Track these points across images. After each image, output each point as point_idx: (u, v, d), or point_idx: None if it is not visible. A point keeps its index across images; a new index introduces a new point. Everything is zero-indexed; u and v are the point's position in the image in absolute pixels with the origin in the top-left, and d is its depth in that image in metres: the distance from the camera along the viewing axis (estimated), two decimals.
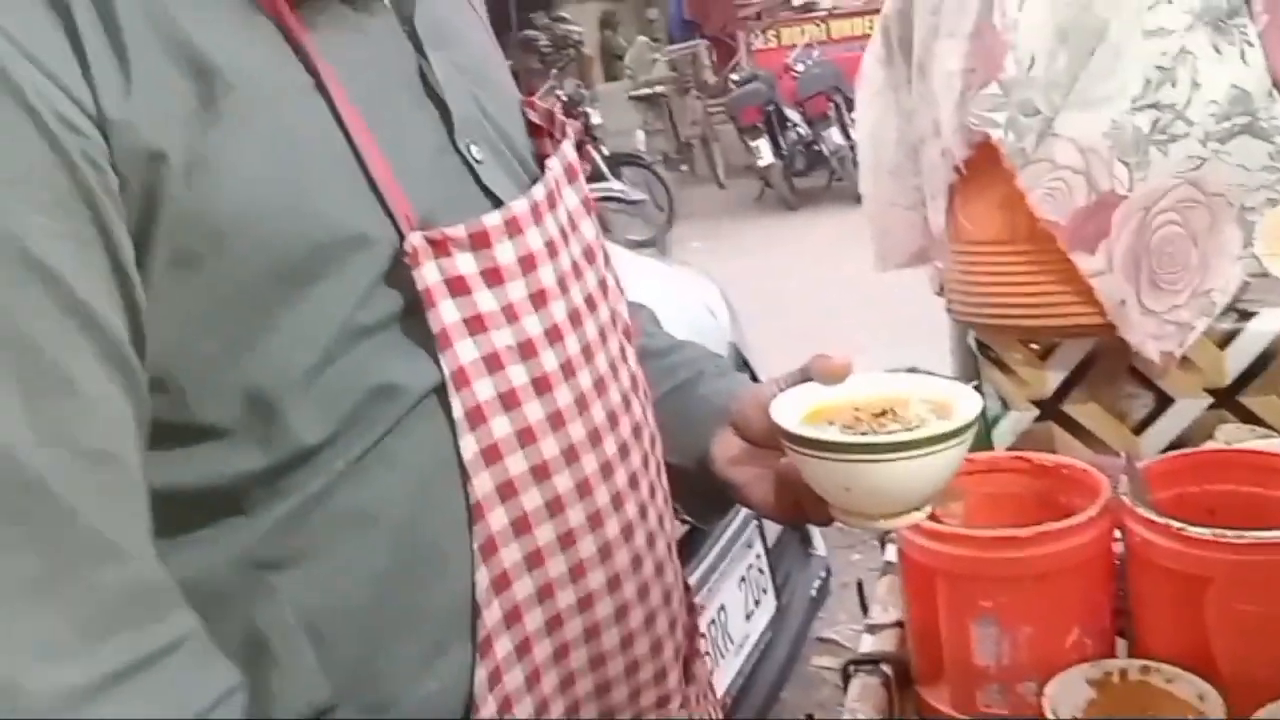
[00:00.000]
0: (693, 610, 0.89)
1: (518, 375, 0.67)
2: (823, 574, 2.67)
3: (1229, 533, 0.84)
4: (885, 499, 0.74)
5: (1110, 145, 1.17)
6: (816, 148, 9.41)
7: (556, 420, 0.69)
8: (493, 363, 0.66)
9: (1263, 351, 1.21)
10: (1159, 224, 1.18)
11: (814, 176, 9.76)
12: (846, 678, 1.05)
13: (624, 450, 0.74)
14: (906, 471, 0.71)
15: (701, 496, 0.91)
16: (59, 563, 0.53)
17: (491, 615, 0.66)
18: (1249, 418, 1.22)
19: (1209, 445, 1.15)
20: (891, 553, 1.24)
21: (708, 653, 0.93)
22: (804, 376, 0.81)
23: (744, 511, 2.30)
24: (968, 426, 0.71)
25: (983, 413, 0.73)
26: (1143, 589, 0.93)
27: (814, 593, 2.60)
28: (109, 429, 0.56)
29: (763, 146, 9.49)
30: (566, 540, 0.69)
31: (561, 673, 0.70)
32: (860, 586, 1.26)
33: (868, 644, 1.08)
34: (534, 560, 0.67)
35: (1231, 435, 1.18)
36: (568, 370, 0.70)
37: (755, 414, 0.82)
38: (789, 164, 9.62)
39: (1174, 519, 0.87)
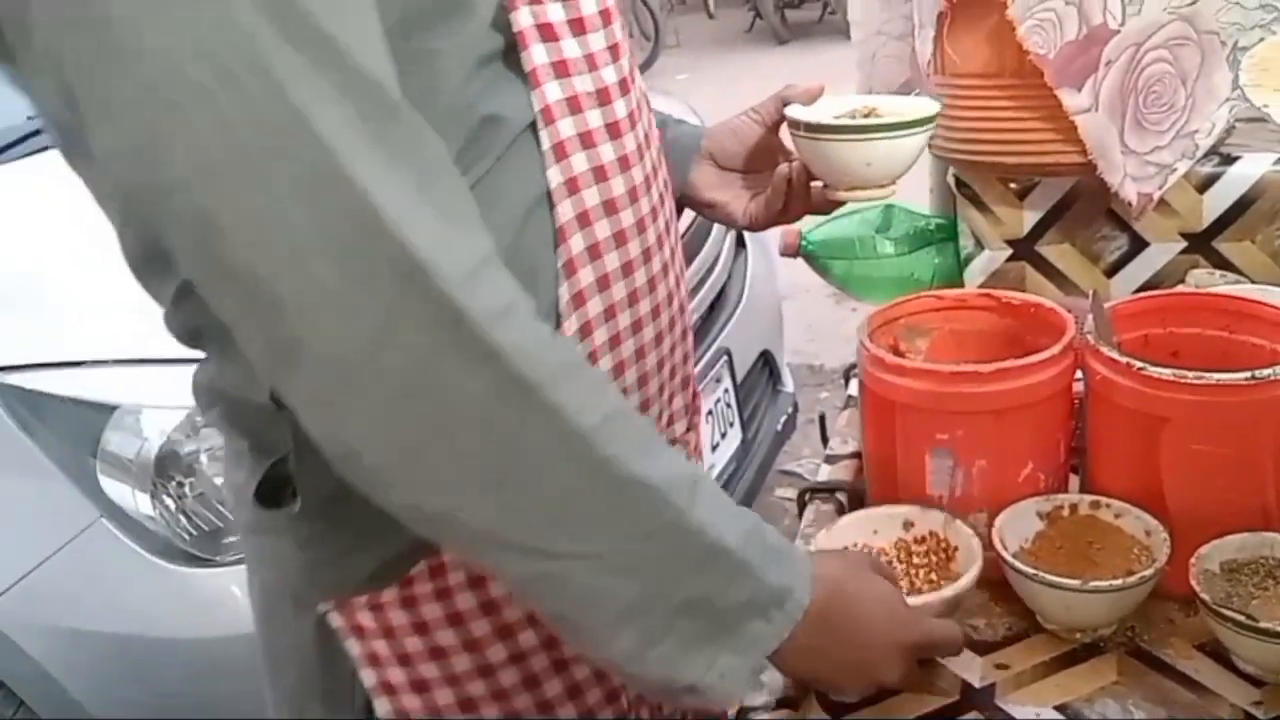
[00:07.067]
0: (689, 381, 0.99)
1: (594, 118, 0.77)
2: (789, 409, 2.71)
3: (1189, 374, 0.84)
4: (896, 170, 0.97)
5: None
6: None
7: (624, 162, 0.79)
8: (574, 104, 0.76)
9: (1241, 197, 1.20)
10: (1149, 61, 1.15)
11: (806, 9, 9.50)
12: (802, 505, 1.06)
13: (661, 200, 0.86)
14: (913, 145, 0.96)
15: None
16: (425, 172, 0.62)
17: (569, 327, 0.78)
18: (1222, 263, 1.21)
19: (1179, 289, 1.15)
20: (855, 388, 1.25)
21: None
22: (779, 103, 1.00)
23: (715, 348, 2.31)
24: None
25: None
26: (1100, 427, 0.93)
27: (779, 427, 2.64)
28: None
29: None
30: (627, 269, 0.80)
31: (619, 386, 0.82)
32: (823, 420, 1.27)
33: (825, 474, 1.10)
34: (602, 283, 0.79)
35: (1202, 280, 1.18)
36: (632, 119, 0.81)
37: (729, 141, 1.02)
38: None
39: (1135, 358, 0.87)
